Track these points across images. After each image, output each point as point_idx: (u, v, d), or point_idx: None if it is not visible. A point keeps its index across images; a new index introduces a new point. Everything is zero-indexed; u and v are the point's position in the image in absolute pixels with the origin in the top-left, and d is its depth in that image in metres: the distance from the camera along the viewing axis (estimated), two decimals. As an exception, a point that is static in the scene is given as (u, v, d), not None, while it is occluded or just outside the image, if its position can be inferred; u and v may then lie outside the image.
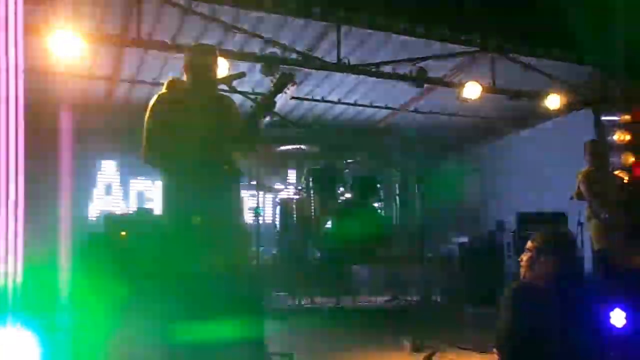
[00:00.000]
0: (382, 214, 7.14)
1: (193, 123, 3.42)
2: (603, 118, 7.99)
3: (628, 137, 7.75)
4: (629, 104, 7.77)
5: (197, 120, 3.44)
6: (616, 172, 6.36)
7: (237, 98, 7.46)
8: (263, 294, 3.35)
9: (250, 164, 6.17)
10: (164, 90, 3.55)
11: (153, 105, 3.46)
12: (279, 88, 3.48)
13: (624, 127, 7.80)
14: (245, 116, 3.56)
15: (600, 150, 5.78)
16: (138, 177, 8.94)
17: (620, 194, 5.44)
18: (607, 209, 5.24)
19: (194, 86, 3.52)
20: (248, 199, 8.14)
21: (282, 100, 7.78)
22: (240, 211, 3.58)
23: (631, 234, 5.12)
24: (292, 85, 7.54)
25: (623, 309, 3.03)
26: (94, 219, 8.49)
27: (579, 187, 5.57)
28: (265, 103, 3.47)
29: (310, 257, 6.81)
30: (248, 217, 6.49)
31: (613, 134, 7.81)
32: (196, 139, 3.37)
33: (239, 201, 3.60)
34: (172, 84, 3.59)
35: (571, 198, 5.73)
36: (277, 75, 3.55)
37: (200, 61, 3.52)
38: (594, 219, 5.37)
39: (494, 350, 2.87)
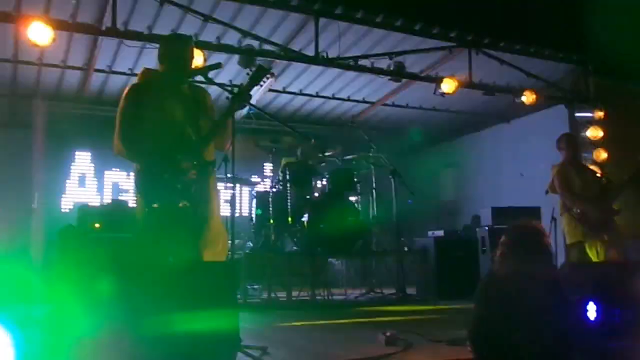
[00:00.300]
0: (359, 207, 7.14)
1: (167, 114, 3.39)
2: (577, 114, 8.10)
3: (601, 134, 7.87)
4: (603, 101, 7.89)
5: (171, 110, 3.41)
6: (589, 167, 6.40)
7: (214, 90, 7.44)
8: (237, 286, 3.33)
9: (226, 157, 6.14)
10: (137, 80, 3.51)
11: (126, 95, 3.42)
12: (255, 81, 3.46)
13: (598, 123, 7.92)
14: (220, 109, 3.53)
15: (574, 144, 5.76)
16: (113, 169, 8.85)
17: (593, 189, 5.46)
18: (579, 203, 5.27)
19: (168, 77, 3.48)
20: (224, 191, 8.12)
21: (259, 93, 7.79)
22: (213, 201, 3.52)
23: (600, 227, 5.18)
24: (270, 78, 7.55)
25: (595, 302, 3.08)
26: (67, 211, 8.37)
27: (552, 181, 5.57)
28: (241, 95, 3.43)
29: (286, 250, 6.80)
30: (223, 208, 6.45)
31: (586, 130, 7.92)
32: (170, 130, 3.35)
33: (213, 192, 3.56)
34: (146, 74, 3.56)
35: (546, 192, 5.76)
36: (254, 68, 3.52)
37: (175, 52, 3.50)
38: (567, 212, 5.39)
39: (468, 343, 2.90)
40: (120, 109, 3.39)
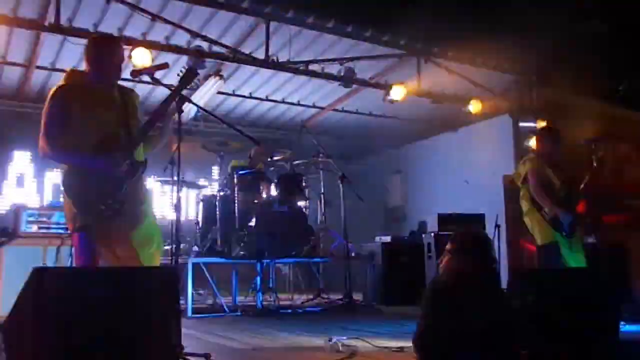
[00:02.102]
0: (307, 212, 7.12)
1: (95, 115, 3.34)
2: (521, 124, 8.29)
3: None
4: (546, 112, 8.09)
5: (99, 112, 3.36)
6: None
7: (161, 91, 7.32)
8: (179, 292, 3.26)
9: (173, 159, 6.02)
10: (64, 81, 3.44)
11: (52, 95, 3.33)
12: (184, 84, 3.42)
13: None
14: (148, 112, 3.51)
15: (557, 140, 5.26)
16: (54, 169, 8.56)
17: (563, 190, 5.08)
18: (554, 207, 4.96)
19: (94, 77, 3.44)
20: (169, 194, 7.98)
21: (208, 95, 7.68)
22: (146, 201, 3.50)
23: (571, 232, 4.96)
24: (219, 80, 7.47)
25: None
26: (4, 212, 8.05)
27: (522, 174, 5.17)
28: (170, 98, 3.38)
29: (233, 255, 6.71)
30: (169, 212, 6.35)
31: (529, 140, 8.12)
32: (98, 131, 3.32)
33: (145, 192, 3.56)
34: (71, 75, 3.51)
35: (510, 181, 5.50)
36: (183, 71, 3.49)
37: (100, 52, 3.45)
38: (537, 212, 5.05)
39: (413, 349, 2.90)
40: (46, 109, 3.31)
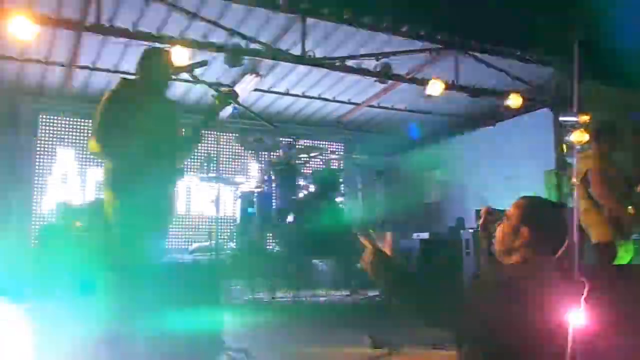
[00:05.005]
0: (344, 208, 7.11)
1: (141, 121, 3.58)
2: (562, 118, 8.11)
3: (586, 138, 7.88)
4: (588, 105, 7.89)
5: (145, 118, 3.60)
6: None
7: (198, 88, 7.39)
8: (221, 286, 3.33)
9: (210, 156, 6.09)
10: (116, 88, 3.72)
11: (106, 99, 3.60)
12: (222, 106, 3.72)
13: (582, 127, 7.93)
14: (204, 108, 3.77)
15: (614, 137, 5.06)
16: (96, 167, 8.73)
17: (622, 186, 4.90)
18: (619, 208, 4.82)
19: (145, 88, 3.71)
20: (206, 191, 8.07)
21: (245, 92, 7.73)
22: (174, 208, 3.87)
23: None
24: (256, 77, 7.52)
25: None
26: (50, 209, 8.25)
27: (584, 172, 4.91)
28: (208, 119, 3.71)
29: (270, 251, 6.75)
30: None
31: (571, 135, 7.94)
32: (143, 135, 3.55)
33: (174, 198, 3.88)
34: (124, 84, 3.78)
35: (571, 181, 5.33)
36: (219, 94, 3.68)
37: (152, 66, 3.73)
38: (597, 212, 4.86)
39: (456, 348, 2.67)
40: (99, 111, 3.57)
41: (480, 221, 2.72)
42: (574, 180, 5.05)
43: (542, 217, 2.19)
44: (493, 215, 2.47)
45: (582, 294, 2.18)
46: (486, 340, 2.04)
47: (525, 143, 8.40)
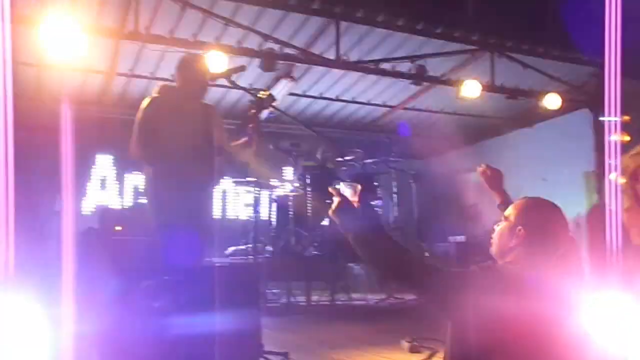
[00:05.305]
0: (379, 211, 7.09)
1: (181, 126, 3.67)
2: (601, 118, 7.96)
3: (627, 138, 7.72)
4: (629, 104, 7.72)
5: (182, 123, 3.68)
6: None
7: (235, 93, 7.45)
8: (258, 290, 3.36)
9: (249, 161, 6.13)
10: (156, 94, 3.80)
11: (146, 105, 3.69)
12: (259, 110, 3.80)
13: (623, 128, 7.77)
14: (240, 112, 3.84)
15: None
16: (133, 172, 8.87)
17: None
18: None
19: (184, 94, 3.78)
20: (244, 194, 8.14)
21: (279, 96, 7.77)
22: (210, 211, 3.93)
23: None
24: (291, 81, 7.55)
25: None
26: (89, 213, 8.42)
27: (632, 168, 4.85)
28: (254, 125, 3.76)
29: (306, 254, 6.76)
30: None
31: (611, 135, 7.78)
32: (183, 139, 3.64)
33: (212, 202, 3.96)
34: (164, 90, 3.86)
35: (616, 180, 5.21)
36: (257, 99, 3.73)
37: (189, 71, 3.80)
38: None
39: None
40: (140, 117, 3.68)
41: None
42: (619, 177, 4.96)
43: (539, 218, 2.16)
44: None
45: (579, 298, 2.09)
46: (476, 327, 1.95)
47: (564, 144, 8.26)
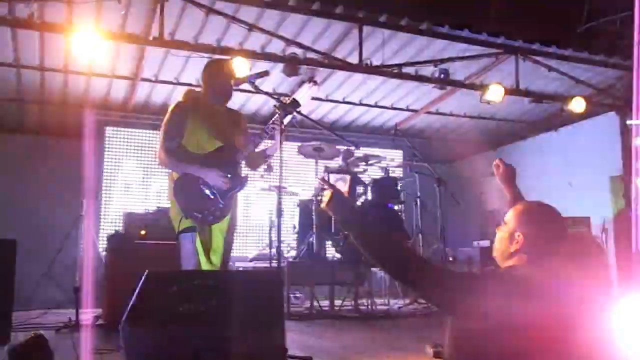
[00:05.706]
0: (403, 216, 7.06)
1: (206, 131, 3.70)
2: (628, 122, 7.84)
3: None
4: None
5: (210, 128, 3.71)
6: None
7: (258, 98, 7.48)
8: (282, 294, 3.36)
9: (270, 165, 6.15)
10: (182, 98, 3.84)
11: (172, 110, 3.73)
12: (284, 114, 3.74)
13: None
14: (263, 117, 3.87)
15: None
16: (158, 177, 8.95)
17: None
18: None
19: (209, 99, 3.82)
20: (268, 199, 8.16)
21: (302, 101, 7.78)
22: (235, 215, 3.88)
23: None
24: (313, 85, 7.56)
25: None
26: (114, 218, 8.51)
27: None
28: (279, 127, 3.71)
29: (329, 259, 6.75)
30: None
31: (638, 139, 7.65)
32: (208, 145, 3.67)
33: (237, 206, 3.92)
34: (189, 94, 3.90)
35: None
36: (281, 104, 3.74)
37: (214, 76, 3.84)
38: None
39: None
40: (165, 122, 3.71)
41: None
42: None
43: (537, 223, 2.16)
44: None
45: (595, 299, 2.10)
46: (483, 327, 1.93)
47: (590, 148, 8.16)
